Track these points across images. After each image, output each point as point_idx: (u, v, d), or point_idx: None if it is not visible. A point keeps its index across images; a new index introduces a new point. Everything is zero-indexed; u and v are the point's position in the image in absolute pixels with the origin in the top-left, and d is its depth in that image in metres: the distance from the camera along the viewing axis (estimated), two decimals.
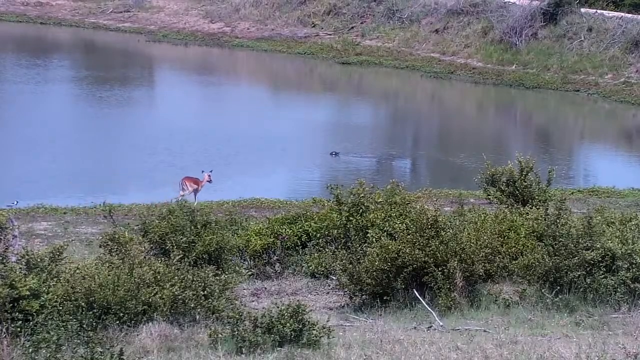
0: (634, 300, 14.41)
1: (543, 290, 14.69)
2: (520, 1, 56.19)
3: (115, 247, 15.02)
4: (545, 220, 16.86)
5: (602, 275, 14.65)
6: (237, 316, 12.39)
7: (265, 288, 17.04)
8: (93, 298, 12.85)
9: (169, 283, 13.35)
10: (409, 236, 15.04)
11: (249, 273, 17.57)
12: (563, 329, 13.27)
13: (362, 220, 17.60)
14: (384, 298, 14.94)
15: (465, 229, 15.59)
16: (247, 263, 18.08)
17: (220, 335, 12.16)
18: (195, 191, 26.71)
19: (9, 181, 29.51)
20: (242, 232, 18.61)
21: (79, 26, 65.82)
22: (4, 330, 11.83)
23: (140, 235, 16.45)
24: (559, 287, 14.72)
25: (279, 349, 11.94)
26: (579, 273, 14.67)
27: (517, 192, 22.21)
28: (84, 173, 30.99)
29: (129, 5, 67.37)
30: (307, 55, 58.44)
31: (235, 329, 12.12)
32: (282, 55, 58.93)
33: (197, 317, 13.27)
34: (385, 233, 16.27)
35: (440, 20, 58.22)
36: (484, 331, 13.11)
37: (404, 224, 15.81)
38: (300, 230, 18.73)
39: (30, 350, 11.34)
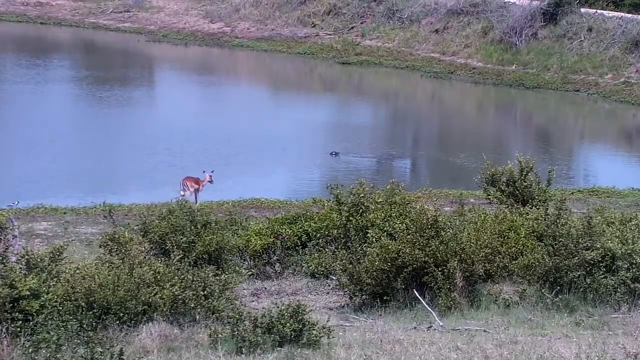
0: (634, 300, 14.41)
1: (543, 290, 14.69)
2: (520, 1, 56.19)
3: (115, 247, 15.02)
4: (545, 220, 16.85)
5: (602, 275, 14.65)
6: (237, 316, 12.39)
7: (265, 288, 17.04)
8: (93, 298, 12.85)
9: (169, 283, 13.35)
10: (409, 236, 15.04)
11: (249, 273, 17.57)
12: (563, 329, 13.27)
13: (362, 220, 17.60)
14: (384, 298, 14.94)
15: (465, 229, 15.59)
16: (247, 263, 18.08)
17: (220, 335, 12.16)
18: (196, 191, 26.68)
19: (9, 181, 29.52)
20: (242, 232, 18.61)
21: (79, 26, 65.82)
22: (4, 330, 11.83)
23: (140, 235, 16.45)
24: (559, 287, 14.72)
25: (279, 349, 11.94)
26: (579, 273, 14.67)
27: (517, 192, 22.22)
28: (84, 173, 31.00)
29: (129, 5, 67.37)
30: (307, 55, 58.44)
31: (235, 329, 12.12)
32: (282, 55, 58.93)
33: (197, 317, 13.27)
34: (385, 233, 16.27)
35: (440, 20, 58.22)
36: (484, 331, 13.11)
37: (404, 224, 15.81)
38: (300, 230, 18.74)
39: (30, 350, 11.34)
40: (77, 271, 13.35)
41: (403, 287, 14.85)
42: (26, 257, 13.34)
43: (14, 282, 12.54)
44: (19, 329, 12.06)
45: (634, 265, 14.64)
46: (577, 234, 15.05)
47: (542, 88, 50.41)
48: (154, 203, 24.58)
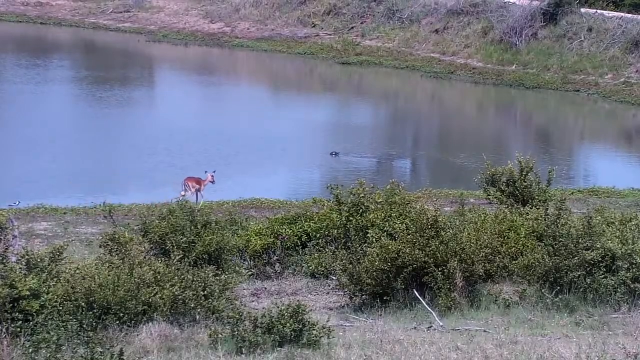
0: (634, 300, 14.41)
1: (543, 290, 14.69)
2: (520, 1, 56.19)
3: (115, 247, 15.02)
4: (545, 220, 16.85)
5: (602, 275, 14.65)
6: (237, 316, 12.39)
7: (265, 288, 17.04)
8: (93, 298, 12.85)
9: (169, 283, 13.35)
10: (409, 236, 15.04)
11: (249, 273, 17.57)
12: (563, 329, 13.27)
13: (362, 220, 17.60)
14: (384, 298, 14.93)
15: (465, 229, 15.59)
16: (247, 263, 18.08)
17: (220, 335, 12.15)
18: (198, 191, 26.65)
19: (9, 181, 29.51)
20: (242, 232, 18.61)
21: (79, 26, 65.82)
22: (4, 330, 11.83)
23: (140, 235, 16.44)
24: (559, 287, 14.72)
25: (279, 349, 11.94)
26: (579, 273, 14.67)
27: (517, 192, 22.21)
28: (84, 173, 30.99)
29: (129, 5, 67.37)
30: (307, 55, 58.44)
31: (235, 329, 12.11)
32: (282, 55, 58.93)
33: (197, 317, 13.26)
34: (385, 233, 16.26)
35: (440, 20, 58.22)
36: (484, 331, 13.11)
37: (404, 224, 15.80)
38: (300, 230, 18.74)
39: (30, 350, 11.34)
40: (77, 271, 13.35)
41: (403, 287, 14.85)
42: (26, 257, 13.34)
43: (14, 282, 12.54)
44: (19, 329, 12.06)
45: (634, 265, 14.64)
46: (577, 234, 15.05)
47: (542, 88, 50.41)
48: (154, 203, 24.62)
